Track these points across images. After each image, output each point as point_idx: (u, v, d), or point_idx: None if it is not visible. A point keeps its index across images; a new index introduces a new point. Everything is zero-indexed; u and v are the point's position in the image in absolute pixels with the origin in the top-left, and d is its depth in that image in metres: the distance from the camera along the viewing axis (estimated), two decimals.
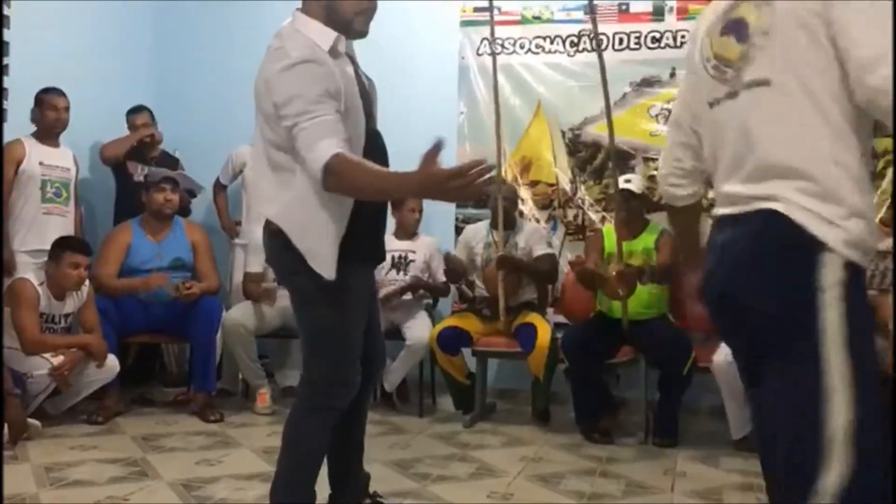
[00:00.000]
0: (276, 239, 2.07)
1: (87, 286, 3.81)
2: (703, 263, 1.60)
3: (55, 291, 3.70)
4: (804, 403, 1.36)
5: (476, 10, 4.72)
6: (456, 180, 1.75)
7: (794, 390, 1.40)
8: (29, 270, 3.73)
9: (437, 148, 1.79)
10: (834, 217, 1.37)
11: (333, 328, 2.11)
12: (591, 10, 3.48)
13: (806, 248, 1.37)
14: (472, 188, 1.77)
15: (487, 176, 1.76)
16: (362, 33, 2.11)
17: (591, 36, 4.50)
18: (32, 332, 3.56)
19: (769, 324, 1.43)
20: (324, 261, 2.02)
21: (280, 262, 2.15)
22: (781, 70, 1.41)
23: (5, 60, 4.01)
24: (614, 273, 3.59)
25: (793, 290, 1.39)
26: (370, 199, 2.08)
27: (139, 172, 4.50)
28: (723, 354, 3.41)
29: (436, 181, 1.77)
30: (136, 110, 4.65)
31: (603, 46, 4.41)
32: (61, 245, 3.70)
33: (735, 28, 1.50)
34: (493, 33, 4.01)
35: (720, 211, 1.56)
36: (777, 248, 1.41)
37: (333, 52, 2.03)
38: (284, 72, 1.95)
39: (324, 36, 2.03)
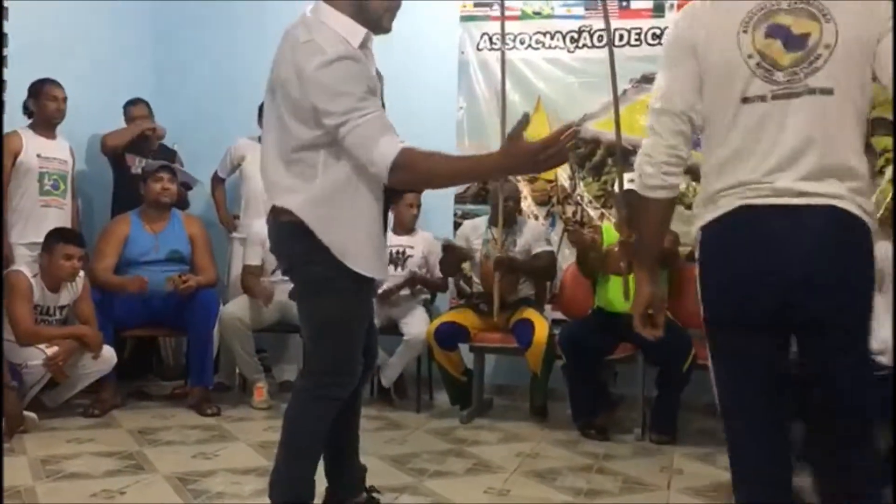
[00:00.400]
0: (289, 228, 2.06)
1: (82, 278, 3.80)
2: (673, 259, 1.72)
3: (49, 283, 3.69)
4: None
5: (476, 5, 4.72)
6: (549, 149, 1.81)
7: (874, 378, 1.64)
8: (23, 263, 3.72)
9: (525, 122, 1.86)
10: (870, 209, 1.63)
11: (342, 318, 2.11)
12: (603, 3, 3.48)
13: (869, 241, 1.61)
14: (561, 154, 1.85)
15: (573, 140, 1.85)
16: (388, 30, 2.12)
17: (592, 31, 4.53)
18: (26, 324, 3.55)
19: (852, 314, 1.61)
20: (362, 259, 2.05)
21: (290, 251, 2.14)
22: (843, 82, 1.59)
23: (4, 52, 3.99)
24: (616, 246, 3.56)
25: (871, 280, 1.64)
26: (443, 187, 2.15)
27: (137, 165, 4.49)
28: None
29: (528, 155, 1.83)
30: (133, 102, 4.63)
31: (603, 42, 4.42)
32: (54, 236, 3.69)
33: (781, 34, 1.61)
34: (503, 28, 4.00)
35: (764, 200, 1.61)
36: (855, 241, 1.61)
37: (362, 48, 2.03)
38: (324, 68, 1.93)
39: (353, 32, 2.01)
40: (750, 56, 1.62)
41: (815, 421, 1.67)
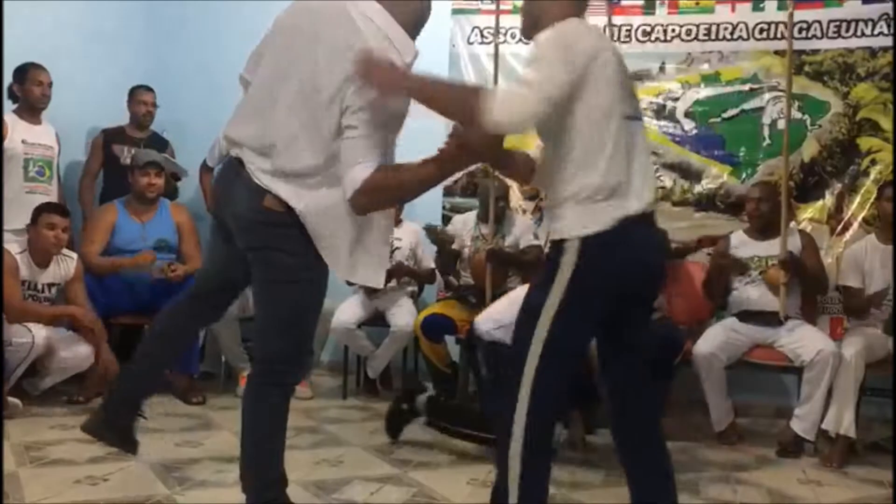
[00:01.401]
0: (269, 213, 1.99)
1: (75, 261, 3.79)
2: None
3: (36, 258, 3.67)
4: None
5: None
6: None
7: None
8: (9, 245, 3.69)
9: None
10: None
11: (310, 307, 2.10)
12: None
13: None
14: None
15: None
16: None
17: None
18: (15, 300, 3.52)
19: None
20: (347, 263, 2.03)
21: (264, 234, 2.03)
22: None
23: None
24: None
25: None
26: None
27: (125, 155, 4.47)
28: (705, 346, 3.45)
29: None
30: (140, 88, 4.60)
31: None
32: (38, 209, 3.69)
33: None
34: (497, 22, 4.00)
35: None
36: None
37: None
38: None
39: (407, 48, 1.99)
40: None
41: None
